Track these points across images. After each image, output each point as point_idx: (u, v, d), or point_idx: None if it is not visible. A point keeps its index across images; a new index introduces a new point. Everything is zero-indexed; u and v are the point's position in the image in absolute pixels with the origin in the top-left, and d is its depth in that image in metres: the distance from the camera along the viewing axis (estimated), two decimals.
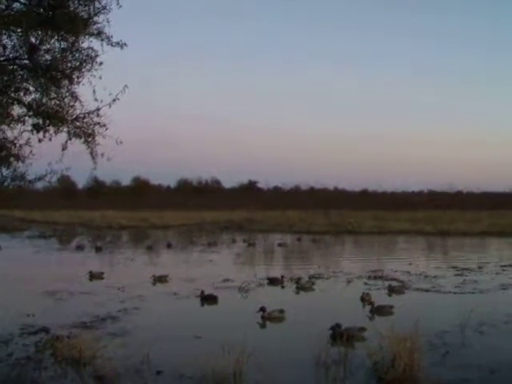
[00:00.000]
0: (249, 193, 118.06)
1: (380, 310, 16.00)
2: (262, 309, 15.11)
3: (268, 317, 15.04)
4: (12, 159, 13.35)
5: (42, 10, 11.93)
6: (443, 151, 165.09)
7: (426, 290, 19.70)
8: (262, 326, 14.67)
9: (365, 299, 17.13)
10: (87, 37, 12.52)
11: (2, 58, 12.41)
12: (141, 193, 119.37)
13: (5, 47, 12.23)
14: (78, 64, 12.61)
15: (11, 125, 13.22)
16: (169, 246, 39.17)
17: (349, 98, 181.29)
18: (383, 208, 78.88)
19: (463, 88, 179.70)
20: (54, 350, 11.47)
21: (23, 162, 13.44)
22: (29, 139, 13.14)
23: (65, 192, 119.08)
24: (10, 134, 13.42)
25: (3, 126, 13.32)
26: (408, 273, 24.18)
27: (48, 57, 12.47)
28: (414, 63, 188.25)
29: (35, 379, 10.12)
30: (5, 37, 12.11)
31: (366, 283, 21.27)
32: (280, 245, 40.00)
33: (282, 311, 15.38)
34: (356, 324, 13.20)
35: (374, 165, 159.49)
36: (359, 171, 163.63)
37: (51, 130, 12.71)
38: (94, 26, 12.45)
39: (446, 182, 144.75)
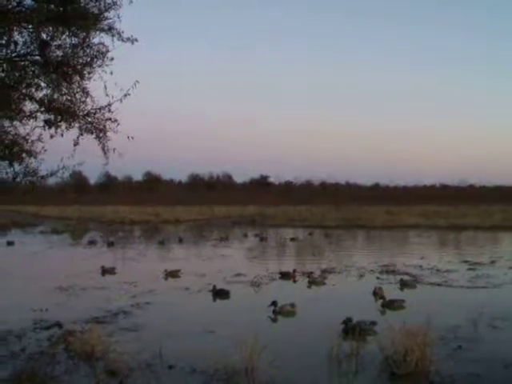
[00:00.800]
0: (260, 187, 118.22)
1: (391, 305, 15.98)
2: (274, 303, 15.13)
3: (279, 311, 15.05)
4: (24, 155, 13.39)
5: (52, 6, 11.96)
6: (455, 145, 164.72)
7: (439, 284, 19.65)
8: (274, 320, 14.67)
9: (377, 294, 17.08)
10: (98, 32, 12.55)
11: (13, 54, 12.44)
12: (152, 188, 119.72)
13: (16, 43, 12.26)
14: (89, 60, 12.65)
15: (23, 121, 13.26)
16: (180, 240, 39.23)
17: (359, 94, 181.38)
18: (395, 202, 78.88)
19: (473, 83, 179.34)
20: (67, 344, 11.54)
21: (35, 157, 13.48)
22: (41, 135, 13.18)
23: (77, 187, 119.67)
24: (22, 130, 13.46)
25: (15, 122, 13.36)
26: (420, 267, 24.12)
27: (59, 53, 12.51)
28: (416, 59, 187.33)
29: (48, 373, 10.17)
30: (16, 33, 12.14)
31: (378, 277, 21.23)
32: (292, 239, 39.98)
33: (293, 305, 15.38)
34: (367, 318, 13.19)
35: (385, 159, 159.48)
36: (371, 165, 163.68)
37: (63, 125, 12.75)
38: (105, 22, 12.47)
39: (458, 176, 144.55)
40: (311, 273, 21.65)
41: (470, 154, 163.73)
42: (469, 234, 44.61)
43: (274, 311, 15.03)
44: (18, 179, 13.54)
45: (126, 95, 12.62)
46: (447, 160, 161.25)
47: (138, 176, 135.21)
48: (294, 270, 21.80)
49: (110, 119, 12.95)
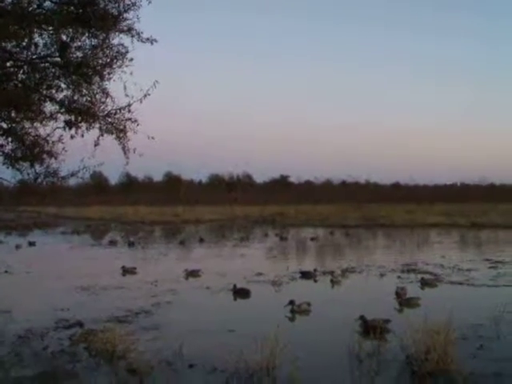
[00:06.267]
0: (280, 187, 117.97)
1: (408, 302, 15.96)
2: (291, 302, 15.11)
3: (298, 310, 15.04)
4: (45, 156, 13.52)
5: (72, 8, 12.06)
6: (475, 144, 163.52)
7: (460, 283, 19.53)
8: (292, 319, 14.66)
9: (400, 294, 16.87)
10: (117, 33, 12.65)
11: (34, 56, 12.57)
12: (173, 188, 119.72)
13: (36, 45, 12.39)
14: (108, 60, 12.75)
15: (44, 122, 13.41)
16: (201, 240, 39.28)
17: (378, 91, 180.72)
18: (415, 201, 78.37)
19: (491, 83, 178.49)
20: (88, 343, 11.58)
21: (56, 158, 13.62)
22: (61, 136, 13.31)
23: (97, 188, 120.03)
24: (42, 131, 13.62)
25: (36, 124, 13.51)
26: (441, 266, 24.01)
27: (79, 54, 12.63)
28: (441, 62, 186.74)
29: (70, 372, 10.24)
30: (36, 35, 12.28)
31: (399, 276, 21.13)
32: (312, 239, 39.87)
33: (309, 304, 15.36)
34: (386, 317, 13.12)
35: (405, 158, 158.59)
36: (391, 164, 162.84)
37: (83, 126, 12.86)
38: (124, 23, 12.57)
39: (478, 175, 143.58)
40: (332, 272, 21.61)
41: (491, 152, 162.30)
42: (490, 233, 44.26)
43: (291, 310, 15.02)
44: (39, 180, 13.68)
45: (145, 95, 12.71)
46: (467, 159, 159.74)
47: (158, 176, 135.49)
48: (315, 270, 21.78)
49: (130, 119, 13.04)
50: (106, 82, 12.98)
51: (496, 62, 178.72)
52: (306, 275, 21.42)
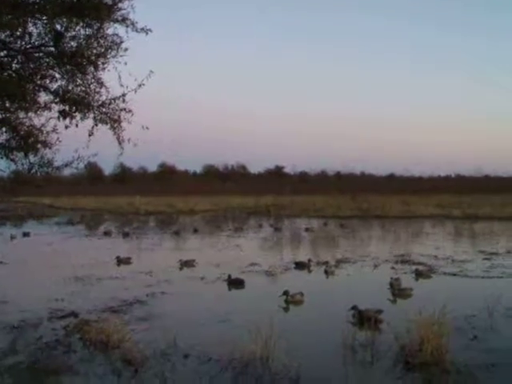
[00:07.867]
0: (275, 178, 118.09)
1: (402, 293, 16.03)
2: (286, 292, 15.14)
3: (292, 300, 15.07)
4: (39, 146, 13.50)
5: None
6: (470, 135, 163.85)
7: (454, 274, 19.56)
8: (286, 309, 14.68)
9: (394, 285, 16.88)
10: (112, 23, 12.62)
11: (28, 46, 12.52)
12: (167, 179, 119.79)
13: (31, 35, 12.35)
14: (103, 50, 12.72)
15: (38, 112, 13.39)
16: (195, 231, 39.28)
17: (374, 83, 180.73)
18: (410, 192, 78.46)
19: (488, 74, 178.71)
20: (83, 333, 11.59)
21: (50, 148, 13.61)
22: (55, 126, 13.31)
23: (92, 178, 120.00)
24: (37, 121, 13.60)
25: (30, 114, 13.48)
26: (435, 257, 24.04)
27: (73, 44, 12.59)
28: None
29: (64, 362, 10.23)
30: (30, 25, 12.23)
31: (393, 267, 21.14)
32: (307, 229, 39.87)
33: (302, 294, 15.39)
34: (379, 307, 13.16)
35: (400, 149, 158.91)
36: (386, 156, 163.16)
37: (77, 116, 12.84)
38: (119, 13, 12.54)
39: (473, 167, 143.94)
40: (326, 263, 21.63)
41: (486, 144, 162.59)
42: (484, 225, 44.25)
43: (285, 300, 15.05)
44: (34, 170, 13.67)
45: (140, 85, 12.69)
46: (463, 151, 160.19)
47: (152, 167, 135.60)
48: (309, 260, 21.79)
49: (125, 109, 13.03)
50: (101, 72, 12.97)
51: (493, 56, 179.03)
52: (300, 266, 21.43)
